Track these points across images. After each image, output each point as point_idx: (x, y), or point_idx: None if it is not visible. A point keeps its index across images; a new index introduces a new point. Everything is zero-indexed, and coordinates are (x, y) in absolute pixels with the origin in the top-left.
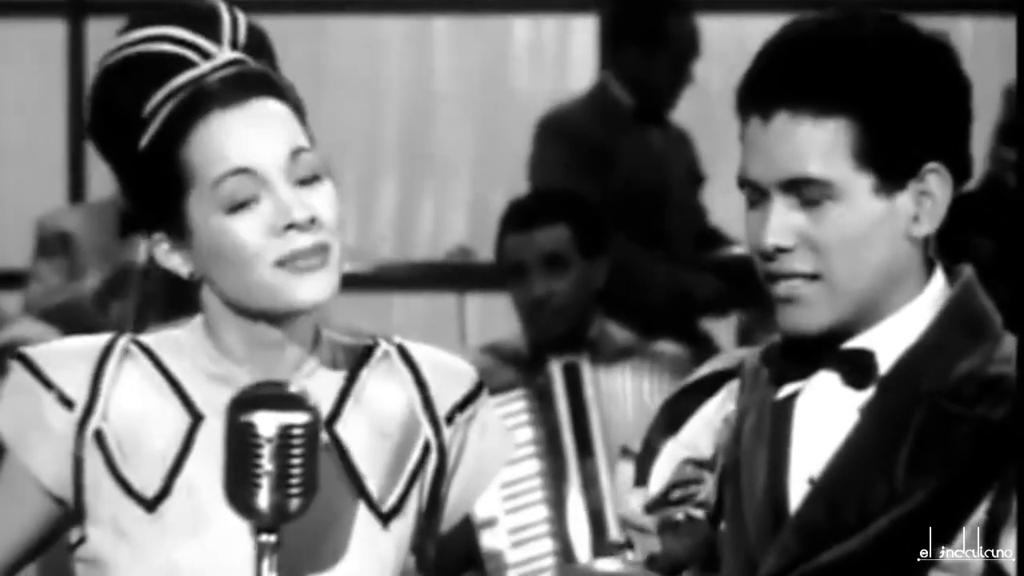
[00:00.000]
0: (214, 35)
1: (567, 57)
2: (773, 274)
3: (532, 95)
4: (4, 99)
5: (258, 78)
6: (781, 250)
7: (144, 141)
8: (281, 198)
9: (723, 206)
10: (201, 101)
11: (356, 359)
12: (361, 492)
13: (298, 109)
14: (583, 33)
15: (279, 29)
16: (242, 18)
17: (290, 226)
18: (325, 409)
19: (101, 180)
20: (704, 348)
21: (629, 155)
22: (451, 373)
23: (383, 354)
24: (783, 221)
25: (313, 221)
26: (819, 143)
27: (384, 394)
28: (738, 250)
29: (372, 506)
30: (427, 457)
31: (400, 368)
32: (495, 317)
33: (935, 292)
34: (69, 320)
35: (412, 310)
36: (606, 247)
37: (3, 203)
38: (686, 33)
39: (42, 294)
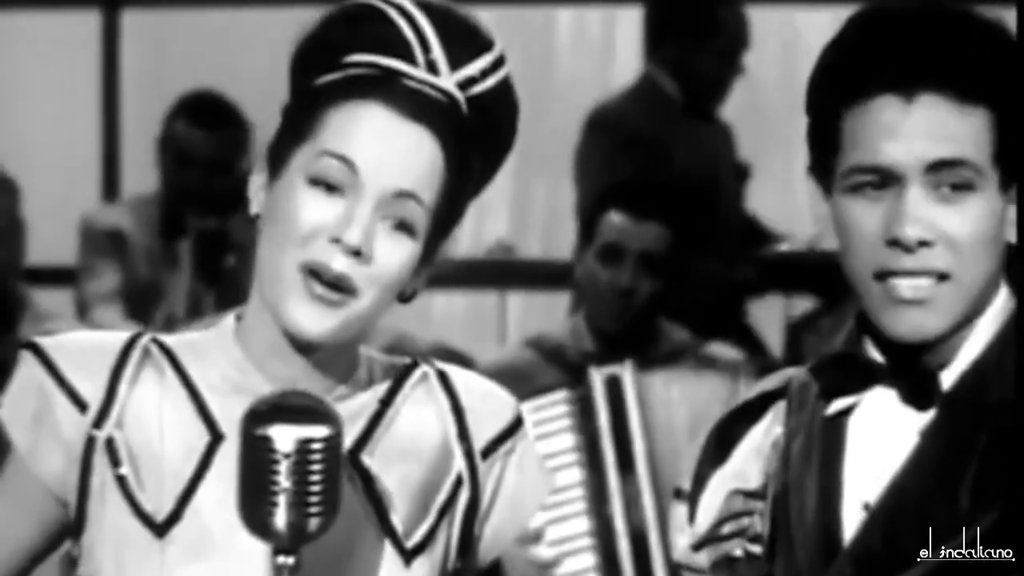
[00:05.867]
0: (456, 61)
1: (612, 49)
2: (902, 270)
3: (576, 88)
4: (37, 93)
5: (439, 110)
6: (924, 244)
7: (319, 82)
8: (354, 211)
9: (771, 200)
10: (377, 86)
11: (392, 382)
12: (385, 526)
13: (459, 168)
14: (628, 24)
15: None
16: (499, 76)
17: (336, 240)
18: (354, 434)
19: (135, 175)
20: (754, 347)
21: (679, 150)
22: (491, 403)
23: (421, 377)
24: (923, 212)
25: (359, 254)
26: (968, 129)
27: (418, 422)
28: (785, 247)
29: (396, 541)
30: (458, 492)
31: (438, 394)
32: (536, 315)
33: (1000, 304)
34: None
35: (453, 308)
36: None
37: (36, 199)
38: (735, 23)
39: (103, 296)
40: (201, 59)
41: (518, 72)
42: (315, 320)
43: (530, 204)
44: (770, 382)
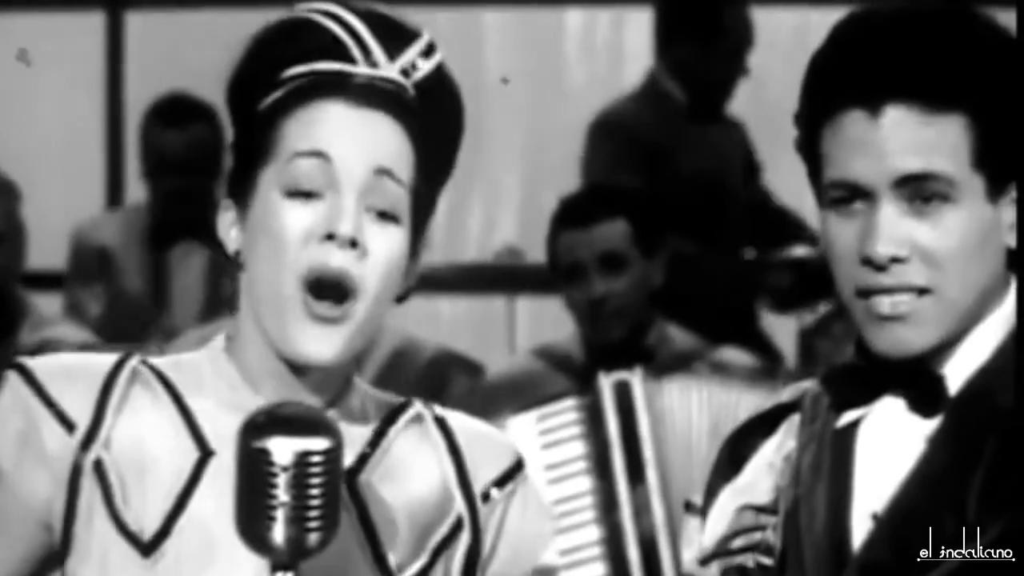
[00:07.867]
0: (393, 52)
1: (621, 53)
2: (879, 288)
3: (585, 91)
4: (40, 95)
5: (392, 98)
6: (896, 260)
7: (263, 104)
8: (338, 204)
9: (781, 200)
10: (326, 88)
11: (386, 416)
12: (377, 558)
13: (424, 153)
14: (638, 27)
15: None
16: (434, 61)
17: (330, 236)
18: (348, 462)
19: (139, 180)
20: (767, 352)
21: (684, 152)
22: (490, 446)
23: (415, 416)
24: (896, 228)
25: (355, 245)
26: (939, 139)
27: (413, 459)
28: (799, 252)
29: (387, 574)
30: (458, 534)
31: (433, 434)
32: (546, 320)
33: (1008, 309)
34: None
35: (460, 314)
36: (663, 244)
37: (40, 202)
38: (740, 24)
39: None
40: (206, 61)
41: (527, 76)
42: (319, 343)
43: (538, 209)
44: (785, 395)
